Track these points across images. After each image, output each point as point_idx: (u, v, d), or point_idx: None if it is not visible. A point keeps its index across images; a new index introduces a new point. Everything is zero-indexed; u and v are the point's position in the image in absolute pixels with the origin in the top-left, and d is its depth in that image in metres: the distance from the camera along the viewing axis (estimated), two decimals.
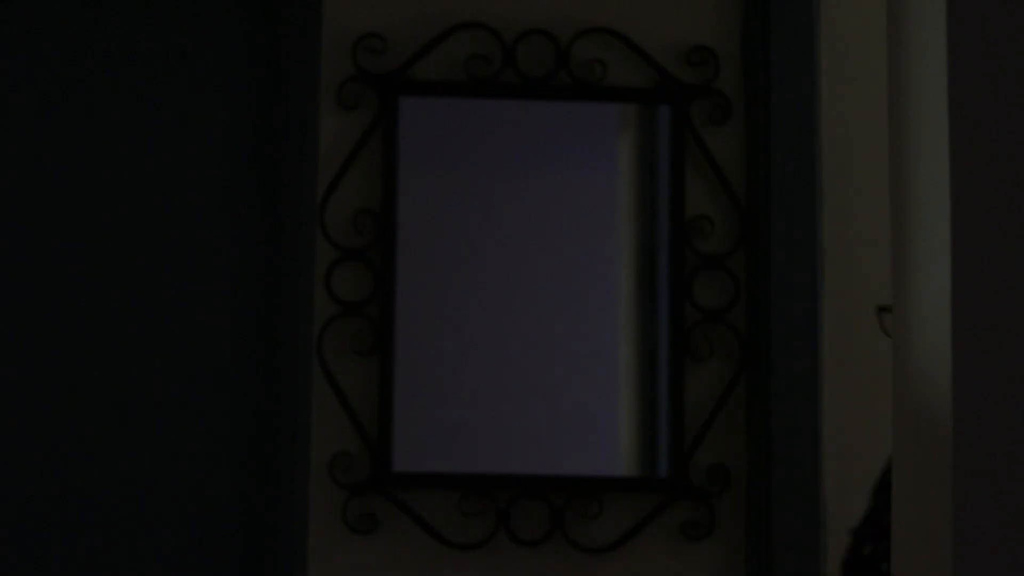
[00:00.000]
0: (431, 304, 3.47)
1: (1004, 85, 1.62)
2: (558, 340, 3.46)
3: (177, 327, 3.50)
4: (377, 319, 3.44)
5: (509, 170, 3.51)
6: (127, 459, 3.47)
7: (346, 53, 3.50)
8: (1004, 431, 1.59)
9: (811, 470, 3.39)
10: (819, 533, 3.30)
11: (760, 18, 3.53)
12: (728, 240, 3.52)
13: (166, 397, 3.49)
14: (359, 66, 3.49)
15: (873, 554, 2.30)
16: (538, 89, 3.49)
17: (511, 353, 3.45)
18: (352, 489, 3.39)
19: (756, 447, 3.43)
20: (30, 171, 3.51)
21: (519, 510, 3.41)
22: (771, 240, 3.46)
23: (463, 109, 3.51)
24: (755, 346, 3.47)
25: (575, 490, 3.39)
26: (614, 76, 3.54)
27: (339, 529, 3.40)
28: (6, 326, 3.48)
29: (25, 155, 3.52)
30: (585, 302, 3.47)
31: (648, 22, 3.56)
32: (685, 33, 3.57)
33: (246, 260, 3.53)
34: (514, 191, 3.49)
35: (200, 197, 3.53)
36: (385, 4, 3.53)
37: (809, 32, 3.51)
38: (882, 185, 1.95)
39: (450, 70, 3.52)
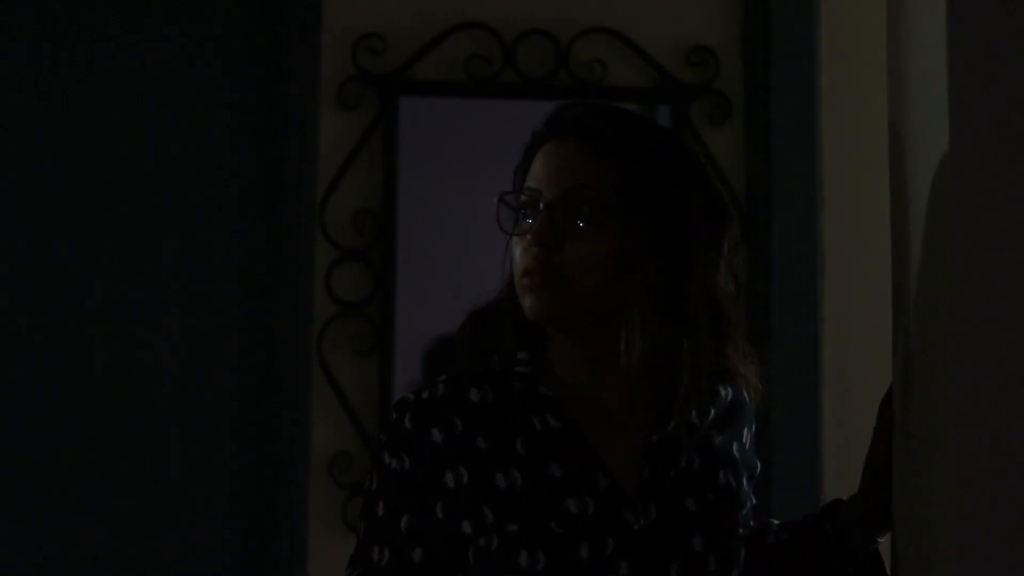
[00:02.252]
0: (431, 304, 3.47)
1: (1004, 85, 1.62)
2: None
3: (177, 327, 3.50)
4: (377, 319, 3.44)
5: (509, 170, 3.50)
6: (126, 458, 3.46)
7: (346, 53, 3.50)
8: (1004, 431, 1.59)
9: (811, 470, 3.39)
10: None
11: (760, 18, 3.52)
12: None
13: (166, 397, 3.49)
14: (359, 66, 3.49)
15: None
16: (538, 89, 3.49)
17: None
18: (352, 489, 3.39)
19: (756, 446, 3.43)
20: (31, 172, 3.51)
21: None
22: (771, 240, 3.46)
23: (463, 109, 3.51)
24: (755, 345, 3.47)
25: None
26: (614, 76, 3.54)
27: (339, 529, 3.39)
28: (7, 326, 3.48)
29: (25, 156, 3.51)
30: None
31: (648, 22, 3.56)
32: (685, 33, 3.56)
33: (246, 260, 3.52)
34: None
35: (200, 197, 3.53)
36: (385, 4, 3.53)
37: (809, 32, 3.51)
38: (882, 185, 1.95)
39: (450, 70, 3.52)
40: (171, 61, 3.55)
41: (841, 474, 3.38)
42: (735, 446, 2.03)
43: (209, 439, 3.48)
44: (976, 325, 1.60)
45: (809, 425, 3.41)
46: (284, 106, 3.50)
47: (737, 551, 1.94)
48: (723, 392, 2.02)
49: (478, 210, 3.50)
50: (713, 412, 2.00)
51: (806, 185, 3.47)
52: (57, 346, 3.47)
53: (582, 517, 1.89)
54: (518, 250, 1.98)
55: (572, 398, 1.96)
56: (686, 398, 1.94)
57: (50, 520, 3.44)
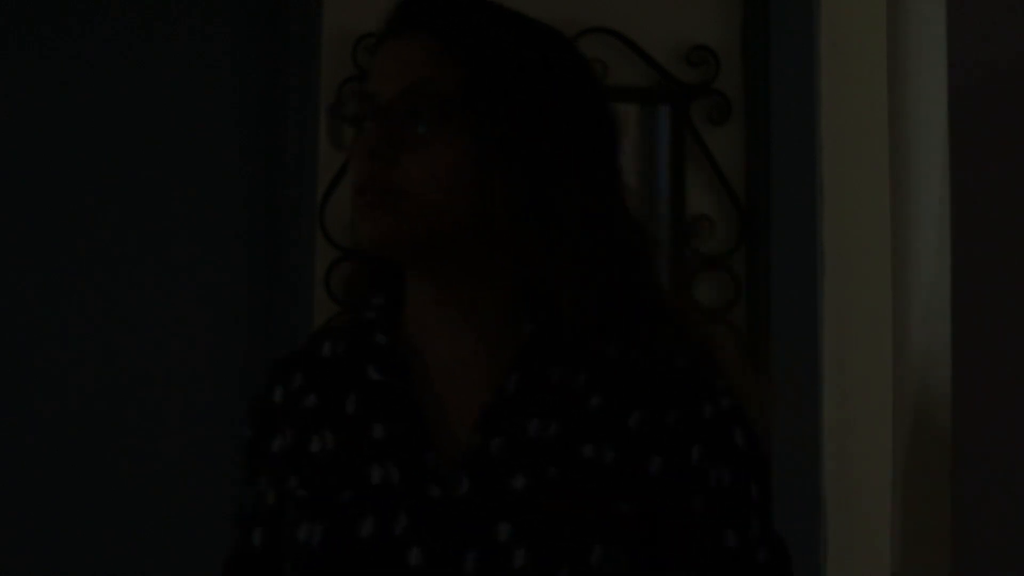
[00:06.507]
0: None
1: (1004, 85, 1.62)
2: None
3: (177, 327, 3.50)
4: None
5: None
6: (126, 458, 3.46)
7: (346, 53, 3.50)
8: (1004, 431, 1.60)
9: (811, 470, 3.39)
10: (819, 533, 3.30)
11: (760, 18, 3.53)
12: (728, 240, 3.52)
13: (166, 396, 3.49)
14: (359, 66, 3.49)
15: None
16: None
17: None
18: None
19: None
20: (29, 170, 3.51)
21: None
22: (771, 240, 3.46)
23: None
24: (755, 346, 3.47)
25: None
26: (614, 76, 3.53)
27: None
28: (6, 324, 3.48)
29: (24, 154, 3.51)
30: None
31: (648, 22, 3.56)
32: (685, 33, 3.56)
33: (246, 260, 3.52)
34: None
35: (200, 197, 3.53)
36: (385, 4, 3.52)
37: (809, 32, 3.51)
38: (882, 185, 1.95)
39: None
40: (170, 61, 3.55)
41: (841, 474, 3.39)
42: (638, 423, 1.58)
43: (209, 438, 3.47)
44: (976, 325, 1.60)
45: (809, 425, 3.41)
46: (284, 106, 3.50)
47: (575, 551, 1.53)
48: (618, 351, 1.61)
49: None
50: (584, 372, 1.59)
51: (806, 185, 3.47)
52: (57, 345, 3.47)
53: (384, 488, 1.58)
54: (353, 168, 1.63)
55: (422, 349, 1.64)
56: (536, 345, 1.59)
57: (49, 518, 3.44)
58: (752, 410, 1.65)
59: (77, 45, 3.53)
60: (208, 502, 3.47)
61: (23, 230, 3.49)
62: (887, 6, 1.96)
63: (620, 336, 1.60)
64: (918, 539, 1.80)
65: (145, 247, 3.51)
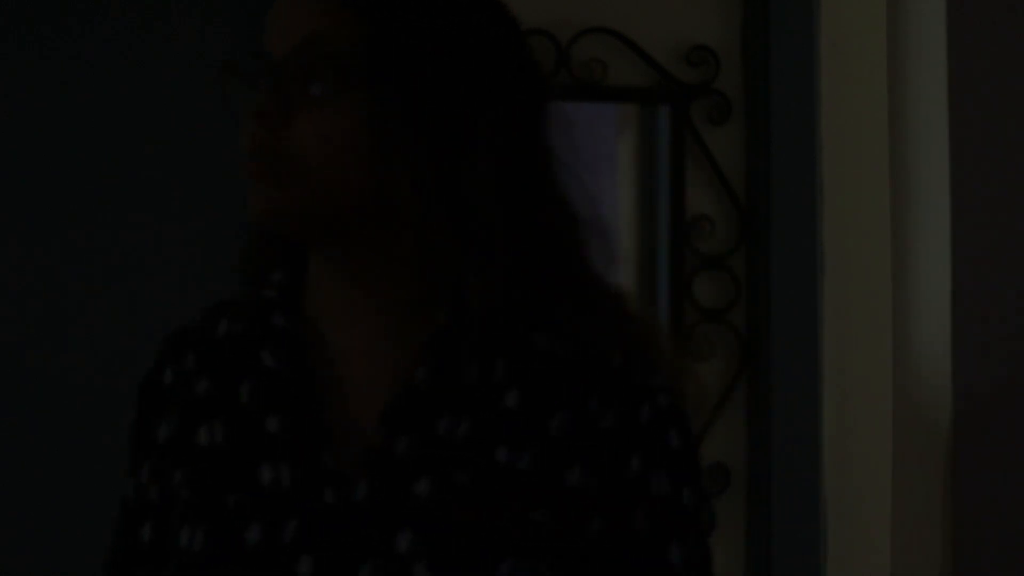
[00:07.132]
0: None
1: (1004, 84, 1.62)
2: None
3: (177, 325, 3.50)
4: None
5: None
6: (126, 459, 3.46)
7: None
8: (1004, 431, 1.60)
9: (811, 470, 3.39)
10: (819, 533, 3.30)
11: (760, 18, 3.53)
12: (728, 240, 3.52)
13: None
14: None
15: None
16: None
17: None
18: None
19: (756, 447, 3.43)
20: (30, 167, 3.51)
21: None
22: (771, 240, 3.46)
23: None
24: (755, 346, 3.47)
25: None
26: (614, 76, 3.54)
27: None
28: (7, 323, 3.48)
29: (26, 151, 3.51)
30: None
31: (648, 22, 3.56)
32: (685, 33, 3.56)
33: None
34: None
35: (200, 197, 3.53)
36: None
37: (809, 32, 3.51)
38: (882, 185, 1.95)
39: None
40: (170, 61, 3.55)
41: (841, 474, 3.39)
42: (561, 425, 1.42)
43: None
44: (976, 325, 1.61)
45: (809, 425, 3.41)
46: None
47: (481, 564, 1.36)
48: (544, 342, 1.43)
49: None
50: (503, 365, 1.41)
51: (806, 185, 3.47)
52: (56, 345, 3.47)
53: (274, 490, 1.42)
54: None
55: (323, 333, 1.49)
56: (450, 334, 1.40)
57: (49, 518, 3.44)
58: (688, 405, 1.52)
59: (77, 45, 3.53)
60: None
61: (23, 230, 3.50)
62: (887, 6, 1.96)
63: (546, 325, 1.44)
64: (918, 540, 1.80)
65: (145, 247, 3.51)
